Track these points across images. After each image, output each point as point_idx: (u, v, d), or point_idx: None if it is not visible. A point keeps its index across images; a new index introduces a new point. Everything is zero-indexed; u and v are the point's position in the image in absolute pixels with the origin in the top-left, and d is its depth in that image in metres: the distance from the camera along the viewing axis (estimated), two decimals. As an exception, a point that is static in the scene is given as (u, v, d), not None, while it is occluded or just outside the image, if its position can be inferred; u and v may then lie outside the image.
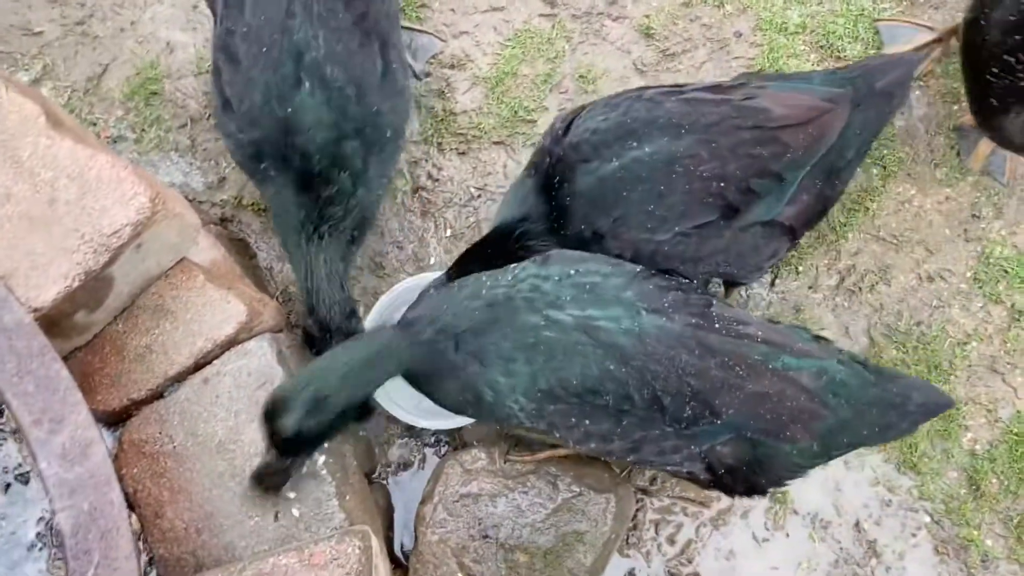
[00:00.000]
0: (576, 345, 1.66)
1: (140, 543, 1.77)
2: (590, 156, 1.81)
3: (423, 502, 2.06)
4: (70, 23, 2.46)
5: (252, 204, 2.36)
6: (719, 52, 2.49)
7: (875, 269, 2.37)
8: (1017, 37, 1.89)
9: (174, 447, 1.82)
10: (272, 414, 1.61)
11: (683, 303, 1.72)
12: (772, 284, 2.36)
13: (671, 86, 1.90)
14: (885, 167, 2.43)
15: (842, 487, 2.24)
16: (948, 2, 2.52)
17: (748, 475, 1.79)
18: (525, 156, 2.42)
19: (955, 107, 2.46)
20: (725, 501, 2.24)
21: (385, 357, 1.70)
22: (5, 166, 1.68)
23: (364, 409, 1.77)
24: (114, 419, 1.88)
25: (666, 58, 2.50)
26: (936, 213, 2.41)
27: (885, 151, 2.44)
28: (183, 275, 1.89)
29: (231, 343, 1.86)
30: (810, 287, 2.36)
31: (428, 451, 2.27)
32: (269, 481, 1.71)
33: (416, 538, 2.05)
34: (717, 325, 1.71)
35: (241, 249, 2.30)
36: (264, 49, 1.92)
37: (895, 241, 2.39)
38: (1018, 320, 2.33)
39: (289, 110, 1.91)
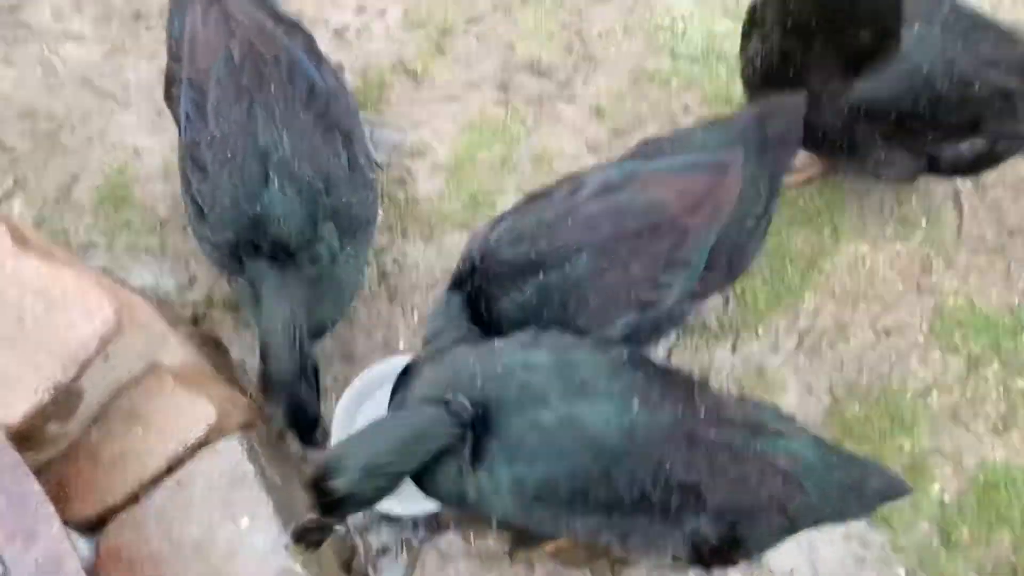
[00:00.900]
0: (563, 446, 1.68)
1: (119, 650, 1.79)
2: (505, 286, 1.86)
3: (402, 589, 2.08)
4: (40, 135, 2.55)
5: (223, 302, 2.41)
6: (668, 126, 2.59)
7: (833, 327, 2.43)
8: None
9: (151, 551, 1.84)
10: (323, 476, 1.63)
11: (670, 391, 1.75)
12: (734, 348, 2.42)
13: (570, 184, 1.94)
14: (836, 227, 2.51)
15: (816, 545, 2.26)
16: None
17: (728, 552, 1.82)
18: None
19: (899, 165, 2.56)
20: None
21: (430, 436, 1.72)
22: (-27, 287, 1.74)
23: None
24: (92, 526, 1.90)
25: (617, 135, 2.59)
26: (889, 269, 2.49)
27: (835, 212, 2.52)
28: (153, 380, 1.93)
29: (202, 444, 1.90)
30: (771, 349, 2.41)
31: (406, 536, 2.28)
32: (310, 538, 1.74)
33: (397, 625, 2.06)
34: (702, 411, 1.75)
35: (213, 346, 2.34)
36: (230, 155, 2.00)
37: (851, 298, 2.45)
38: (976, 369, 2.39)
39: (259, 208, 1.99)
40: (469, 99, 2.62)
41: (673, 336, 2.41)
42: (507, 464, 1.68)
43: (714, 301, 2.44)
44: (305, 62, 2.16)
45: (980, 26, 2.04)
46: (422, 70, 2.63)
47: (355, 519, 2.27)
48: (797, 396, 2.37)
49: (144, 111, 2.57)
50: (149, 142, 2.54)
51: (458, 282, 1.96)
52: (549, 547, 2.09)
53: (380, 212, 2.49)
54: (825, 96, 2.01)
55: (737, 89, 2.58)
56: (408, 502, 2.14)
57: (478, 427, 1.70)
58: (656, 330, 2.01)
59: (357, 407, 2.24)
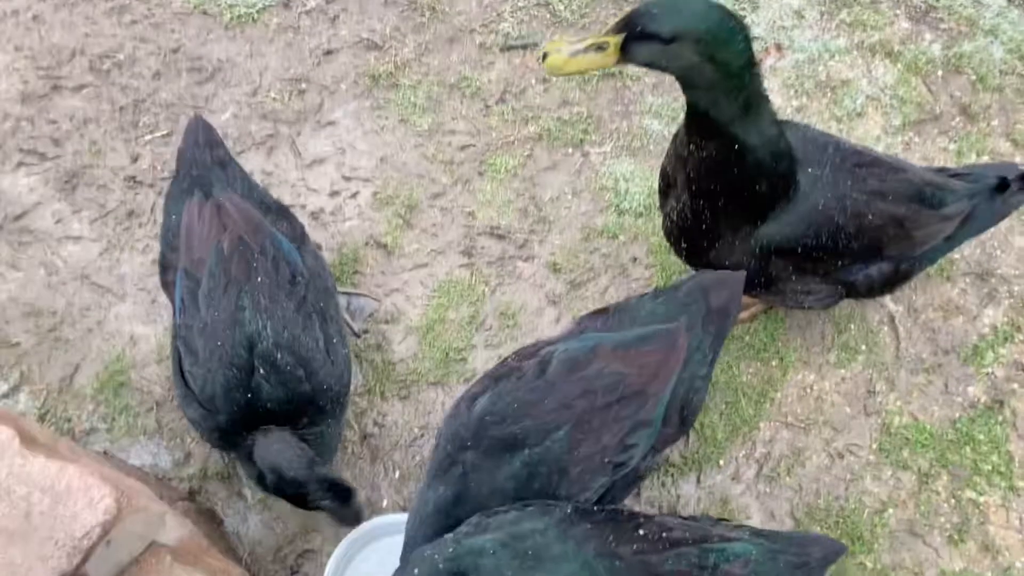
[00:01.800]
0: None
1: None
2: (497, 461, 1.99)
3: None
4: (43, 331, 2.76)
5: (216, 474, 2.57)
6: (619, 277, 2.82)
7: (789, 453, 2.59)
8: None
9: None
10: None
11: (620, 532, 1.86)
12: (699, 481, 2.57)
13: (535, 360, 2.10)
14: (783, 358, 2.70)
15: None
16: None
17: None
18: (459, 392, 2.67)
19: (835, 296, 2.77)
20: None
21: None
22: (-14, 488, 1.91)
23: None
24: None
25: (574, 287, 2.81)
26: (836, 394, 2.66)
27: (780, 344, 2.72)
28: (152, 558, 2.07)
29: (200, 617, 2.03)
30: (733, 478, 2.57)
31: None
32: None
33: None
34: (655, 540, 1.85)
35: (209, 518, 2.49)
36: (219, 343, 2.18)
37: (803, 425, 2.62)
38: (927, 483, 2.54)
39: (248, 395, 2.17)
40: (437, 265, 2.86)
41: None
42: None
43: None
44: (288, 249, 2.37)
45: (865, 162, 2.24)
46: (392, 243, 2.87)
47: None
48: (761, 521, 2.50)
49: (139, 301, 2.79)
50: (144, 329, 2.75)
51: (445, 467, 2.05)
52: None
53: (359, 375, 2.69)
54: (738, 242, 2.21)
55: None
56: None
57: None
58: (627, 487, 2.17)
59: (346, 566, 2.36)
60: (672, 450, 2.59)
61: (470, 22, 3.22)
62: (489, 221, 2.91)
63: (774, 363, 2.69)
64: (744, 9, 3.22)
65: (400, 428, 2.65)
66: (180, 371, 2.29)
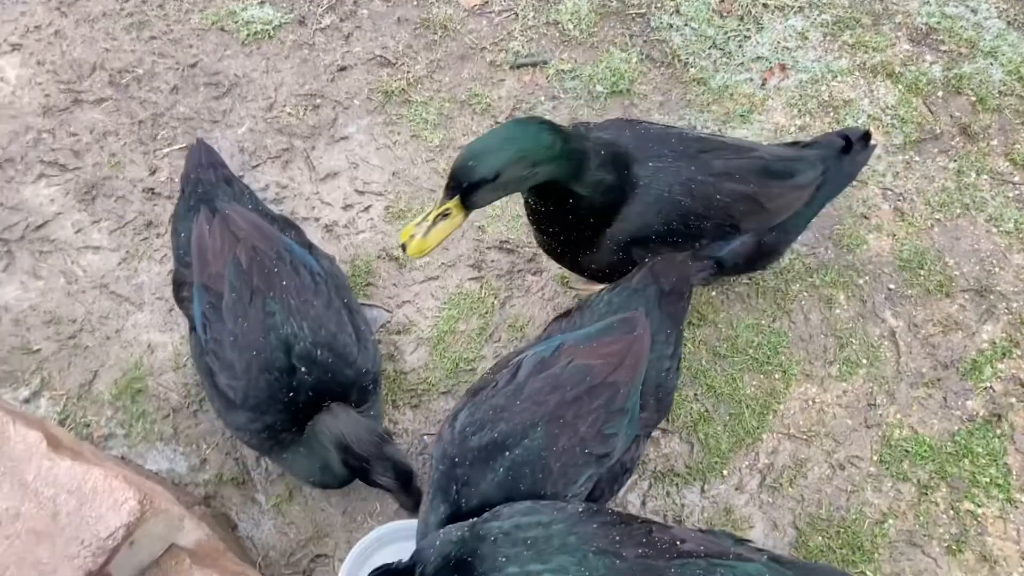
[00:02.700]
0: None
1: None
2: (481, 469, 2.06)
3: None
4: (63, 338, 2.82)
5: (231, 480, 2.63)
6: (626, 290, 2.88)
7: (791, 464, 2.65)
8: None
9: None
10: None
11: (628, 535, 1.90)
12: (703, 491, 2.63)
13: (507, 370, 2.18)
14: (785, 371, 2.76)
15: (795, 675, 2.41)
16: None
17: None
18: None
19: (836, 311, 2.84)
20: None
21: None
22: (13, 489, 1.97)
23: None
24: None
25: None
26: (837, 407, 2.72)
27: (783, 357, 2.78)
28: (172, 560, 2.13)
29: (217, 618, 2.08)
30: (736, 488, 2.62)
31: None
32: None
33: None
34: (663, 547, 1.88)
35: (224, 522, 2.55)
36: (255, 352, 2.23)
37: (805, 436, 2.68)
38: (926, 494, 2.59)
39: (292, 393, 2.24)
40: (447, 278, 2.92)
41: (646, 485, 2.62)
42: None
43: (682, 448, 2.67)
44: (301, 252, 2.44)
45: (711, 147, 2.35)
46: (403, 256, 2.93)
47: None
48: (763, 531, 2.56)
49: (156, 309, 2.86)
50: (161, 338, 2.82)
51: (441, 487, 2.11)
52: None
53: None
54: (600, 247, 2.34)
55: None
56: None
57: None
58: (614, 479, 2.23)
59: (357, 572, 2.42)
60: (677, 460, 2.65)
61: (481, 40, 3.30)
62: (498, 235, 2.98)
63: (777, 376, 2.75)
64: (749, 30, 3.29)
65: (411, 436, 2.71)
66: (214, 384, 2.33)
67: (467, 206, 2.07)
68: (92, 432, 2.69)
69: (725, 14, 3.33)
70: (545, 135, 2.09)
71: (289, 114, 3.17)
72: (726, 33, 3.29)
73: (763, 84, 3.22)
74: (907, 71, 3.20)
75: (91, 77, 3.23)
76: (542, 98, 3.19)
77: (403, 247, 2.07)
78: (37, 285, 2.89)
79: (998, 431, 2.66)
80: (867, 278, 2.89)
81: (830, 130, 3.12)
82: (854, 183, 3.01)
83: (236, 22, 3.32)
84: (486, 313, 2.87)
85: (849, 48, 3.26)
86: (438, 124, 3.15)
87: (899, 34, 3.29)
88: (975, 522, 2.55)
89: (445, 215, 2.06)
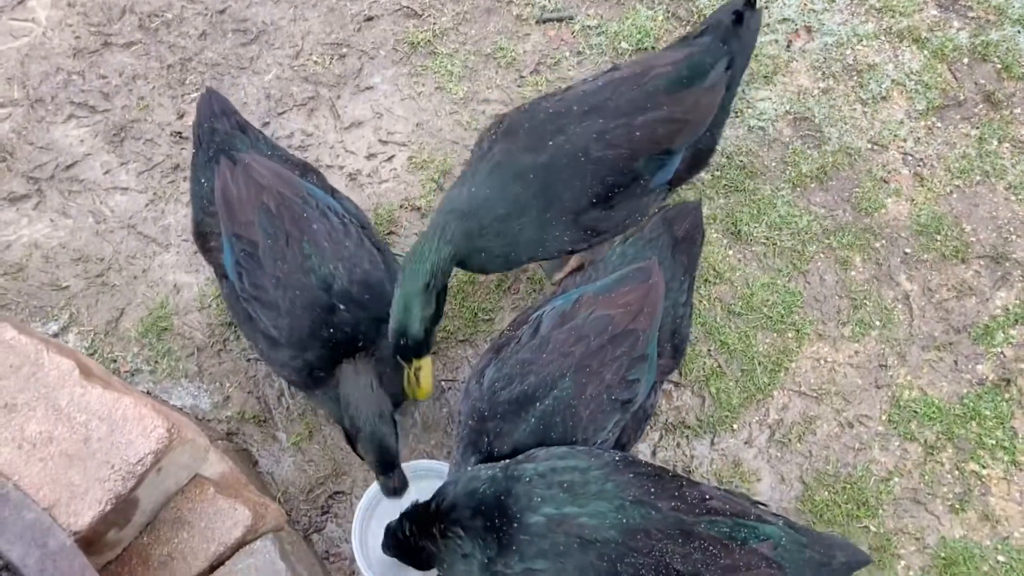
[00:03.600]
0: (564, 545, 1.87)
1: None
2: (512, 421, 2.12)
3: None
4: (91, 276, 2.89)
5: (253, 418, 2.71)
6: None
7: (801, 421, 2.69)
8: None
9: (194, 643, 2.09)
10: None
11: (661, 488, 1.96)
12: (712, 444, 2.68)
13: (528, 326, 2.23)
14: (799, 330, 2.80)
15: (796, 623, 2.48)
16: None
17: None
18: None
19: (852, 273, 2.87)
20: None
21: None
22: (48, 414, 2.04)
23: None
24: (141, 623, 2.14)
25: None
26: (848, 367, 2.76)
27: (796, 316, 2.81)
28: (196, 489, 2.21)
29: (240, 545, 2.16)
30: (745, 442, 2.67)
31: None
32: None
33: None
34: (693, 503, 1.95)
35: (245, 458, 2.62)
36: (297, 291, 2.28)
37: (815, 394, 2.72)
38: (932, 454, 2.64)
39: (332, 330, 2.30)
40: (468, 229, 2.96)
41: (657, 436, 2.68)
42: (521, 561, 1.91)
43: (693, 401, 2.72)
44: (324, 196, 2.47)
45: (608, 92, 2.32)
46: (426, 206, 2.98)
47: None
48: (770, 484, 2.61)
49: (182, 251, 2.91)
50: (187, 278, 2.88)
51: (472, 441, 2.18)
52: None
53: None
54: (557, 233, 2.36)
55: (702, 209, 2.92)
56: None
57: (494, 531, 1.93)
58: (638, 425, 2.29)
59: (374, 509, 2.49)
60: (688, 413, 2.70)
61: (508, -6, 3.31)
62: (520, 188, 3.00)
63: (790, 335, 2.79)
64: (776, -9, 3.29)
65: (429, 382, 2.77)
66: (257, 330, 2.37)
67: (427, 349, 2.30)
68: (119, 367, 2.76)
69: (753, -26, 3.32)
70: (430, 269, 2.24)
71: (315, 63, 3.20)
72: (753, -7, 3.29)
73: (788, 46, 3.22)
74: (933, 37, 3.19)
75: (121, 20, 3.26)
76: (567, 53, 3.21)
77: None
78: (66, 224, 2.95)
79: (1007, 395, 2.70)
80: (884, 242, 2.91)
81: (853, 95, 3.13)
82: (874, 147, 3.03)
83: (265, -31, 3.34)
84: (505, 264, 2.90)
85: (876, 12, 3.25)
86: (463, 76, 3.18)
87: (927, -1, 3.28)
88: (979, 482, 2.60)
89: (418, 370, 2.32)
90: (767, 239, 2.91)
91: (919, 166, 3.02)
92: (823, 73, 3.17)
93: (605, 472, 1.97)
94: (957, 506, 2.58)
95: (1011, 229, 2.91)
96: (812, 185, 2.99)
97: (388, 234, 2.95)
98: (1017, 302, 2.82)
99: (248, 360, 2.77)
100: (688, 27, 3.24)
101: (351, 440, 2.33)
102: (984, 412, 2.67)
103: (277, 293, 2.29)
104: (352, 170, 3.04)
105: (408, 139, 3.09)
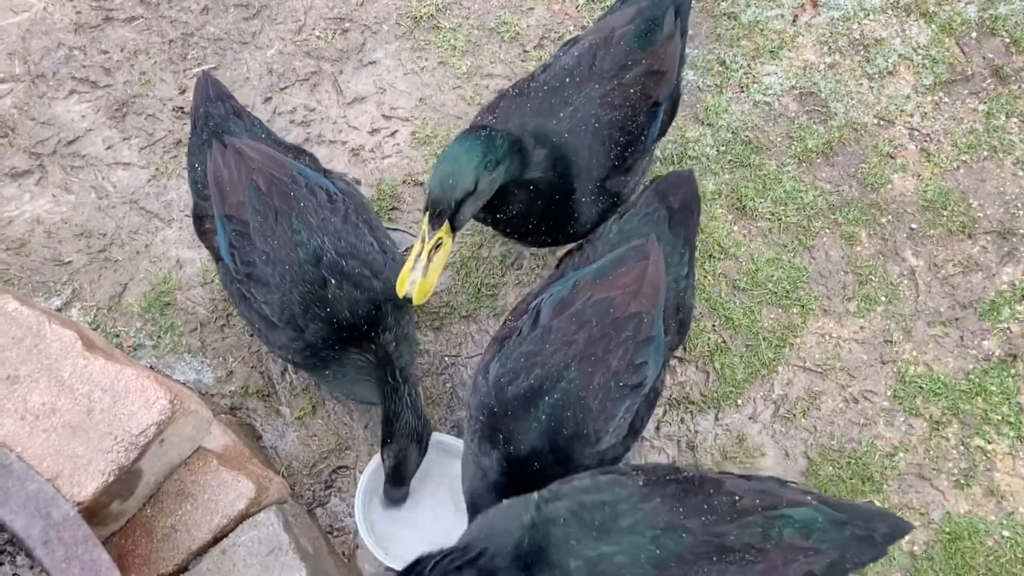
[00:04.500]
0: None
1: None
2: (521, 416, 2.07)
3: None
4: (94, 251, 2.88)
5: (257, 392, 2.70)
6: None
7: (805, 396, 2.69)
8: None
9: (199, 615, 2.09)
10: None
11: (690, 506, 1.88)
12: (716, 419, 2.67)
13: (528, 315, 2.19)
14: (803, 306, 2.78)
15: (799, 597, 2.48)
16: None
17: None
18: (490, 326, 2.79)
19: (858, 248, 2.85)
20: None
21: None
22: (51, 385, 2.04)
23: None
24: (145, 595, 2.15)
25: (604, 231, 2.90)
26: (853, 342, 2.75)
27: (801, 292, 2.80)
28: (200, 461, 2.21)
29: (243, 517, 2.16)
30: (750, 417, 2.67)
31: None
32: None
33: None
34: (723, 511, 1.88)
35: (248, 432, 2.62)
36: (287, 267, 2.27)
37: (820, 370, 2.71)
38: (937, 429, 2.63)
39: (328, 308, 2.28)
40: (471, 204, 2.94)
41: (661, 411, 2.67)
42: None
43: (698, 376, 2.71)
44: (314, 175, 2.46)
45: (593, 58, 2.35)
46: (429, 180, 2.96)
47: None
48: (775, 460, 2.61)
49: (185, 226, 2.90)
50: (189, 254, 2.87)
51: (486, 435, 2.13)
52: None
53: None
54: (575, 204, 2.35)
55: (707, 185, 2.91)
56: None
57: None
58: (650, 406, 2.27)
59: (377, 483, 2.49)
60: (692, 388, 2.70)
61: (512, -32, 3.28)
62: (524, 163, 2.99)
63: (795, 310, 2.78)
64: (782, -35, 3.26)
65: (432, 356, 2.76)
66: (253, 310, 2.36)
67: (455, 228, 2.10)
68: (122, 342, 2.75)
69: (759, -52, 3.29)
70: (495, 137, 2.11)
71: (318, 37, 3.18)
72: (759, -33, 3.26)
73: (794, 20, 3.19)
74: (941, 10, 3.16)
75: (122, -5, 3.24)
76: (571, 28, 3.18)
77: (407, 299, 2.09)
78: (68, 199, 2.94)
79: (1012, 371, 2.68)
80: (890, 217, 2.89)
81: (859, 70, 3.10)
82: (881, 122, 3.01)
83: (266, -57, 3.31)
84: (509, 240, 2.89)
85: (883, -14, 3.23)
86: (466, 51, 3.16)
87: (935, -27, 3.24)
88: (984, 458, 2.59)
89: (438, 246, 2.08)
90: (772, 214, 2.89)
91: (926, 141, 3.00)
92: (829, 48, 3.14)
93: (632, 503, 1.89)
94: (962, 481, 2.57)
95: (1018, 204, 2.89)
96: (818, 160, 2.97)
97: (391, 209, 2.93)
98: (1023, 277, 2.81)
99: (251, 335, 2.77)
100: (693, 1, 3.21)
101: (382, 443, 2.37)
102: (990, 388, 2.66)
103: (267, 269, 2.28)
104: (355, 145, 3.02)
105: (411, 114, 3.07)
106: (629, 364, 2.10)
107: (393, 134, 3.05)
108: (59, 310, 2.78)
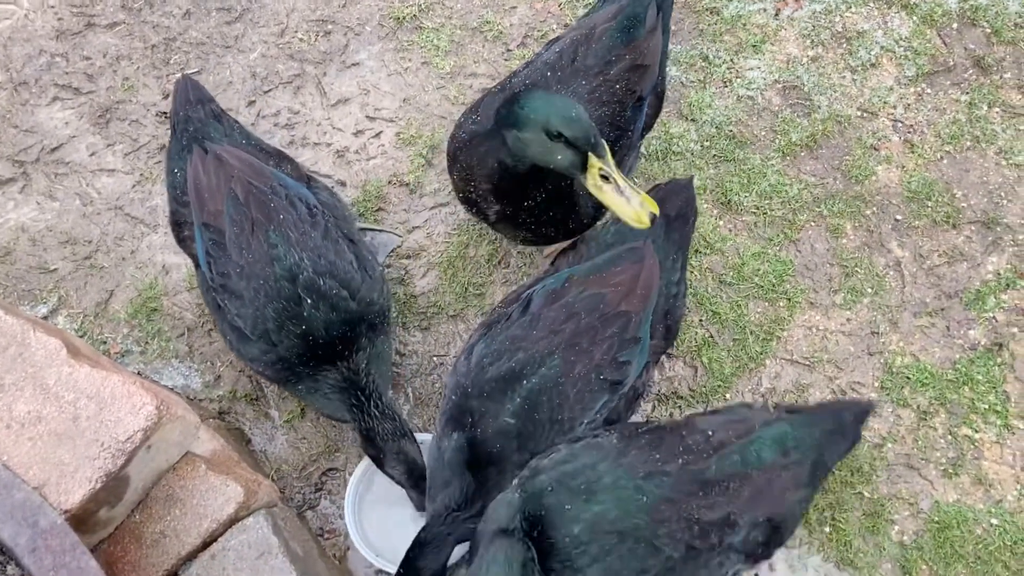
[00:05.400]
0: (605, 541, 1.88)
1: None
2: (497, 399, 2.09)
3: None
4: (79, 258, 2.87)
5: (245, 396, 2.70)
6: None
7: (793, 389, 2.69)
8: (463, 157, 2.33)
9: (189, 620, 2.09)
10: None
11: (666, 450, 1.97)
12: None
13: (519, 303, 2.20)
14: (790, 299, 2.79)
15: (790, 589, 2.49)
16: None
17: (774, 545, 2.07)
18: (477, 325, 2.78)
19: (843, 241, 2.86)
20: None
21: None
22: (36, 393, 2.03)
23: None
24: (136, 601, 2.15)
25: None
26: (840, 334, 2.76)
27: (788, 285, 2.81)
28: (188, 466, 2.20)
29: (232, 521, 2.16)
30: (738, 412, 2.67)
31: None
32: None
33: None
34: (699, 448, 1.97)
35: (238, 436, 2.62)
36: (261, 281, 2.23)
37: (808, 362, 2.72)
38: (925, 419, 2.64)
39: (303, 327, 2.25)
40: (457, 204, 2.94)
41: (650, 407, 2.68)
42: (578, 572, 1.90)
43: (686, 371, 2.72)
44: (295, 186, 2.42)
45: (575, 54, 2.37)
46: (415, 181, 2.96)
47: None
48: (764, 453, 2.61)
49: (170, 232, 2.88)
50: (175, 259, 2.86)
51: (454, 416, 2.15)
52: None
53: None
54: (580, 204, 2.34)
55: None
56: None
57: (548, 553, 1.91)
58: (628, 405, 2.28)
59: (367, 484, 2.49)
60: (680, 383, 2.70)
61: (493, -33, 3.28)
62: (509, 162, 2.99)
63: (782, 303, 2.79)
64: (764, -41, 3.27)
65: (420, 357, 2.76)
66: (225, 321, 2.34)
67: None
68: (109, 349, 2.75)
69: (740, -57, 3.30)
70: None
71: (301, 40, 3.18)
72: (740, -38, 3.27)
73: (776, 14, 3.20)
74: (922, 2, 3.17)
75: (103, 1, 3.23)
76: (554, 26, 3.18)
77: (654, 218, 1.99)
78: (53, 206, 2.94)
79: (999, 360, 2.69)
80: (874, 209, 2.90)
81: (842, 62, 3.11)
82: (864, 114, 3.02)
83: (248, -53, 3.30)
84: (496, 239, 2.90)
85: (864, -22, 3.23)
86: (449, 51, 3.15)
87: (916, -35, 3.25)
88: (972, 447, 2.60)
89: (604, 172, 2.00)
90: (757, 208, 2.90)
91: (909, 133, 3.01)
92: (812, 41, 3.15)
93: (611, 460, 1.96)
94: (950, 470, 2.58)
95: (1002, 194, 2.90)
96: (802, 154, 2.98)
97: (377, 210, 2.93)
98: (1008, 266, 2.81)
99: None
100: (675, -3, 3.21)
101: (376, 461, 2.36)
102: (976, 377, 2.67)
103: (241, 283, 2.24)
104: (340, 147, 3.02)
105: (395, 115, 3.07)
106: (613, 360, 2.12)
107: (378, 135, 3.04)
108: (45, 318, 2.78)
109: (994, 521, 2.51)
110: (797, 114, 3.04)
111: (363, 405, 2.33)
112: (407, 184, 2.97)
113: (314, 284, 2.25)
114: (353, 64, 3.15)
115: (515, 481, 2.02)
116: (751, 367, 2.72)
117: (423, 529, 2.16)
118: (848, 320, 2.77)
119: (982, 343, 2.73)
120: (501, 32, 3.17)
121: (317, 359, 2.30)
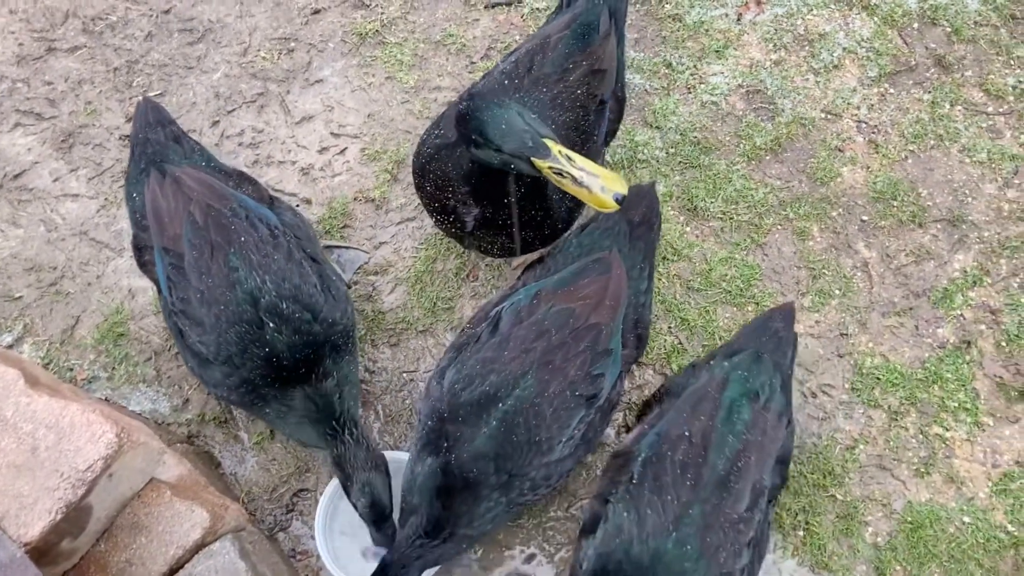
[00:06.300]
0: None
1: None
2: (472, 423, 2.08)
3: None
4: (44, 285, 2.85)
5: (214, 419, 2.68)
6: (601, 227, 2.90)
7: (764, 393, 2.69)
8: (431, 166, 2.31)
9: (157, 649, 2.07)
10: None
11: (669, 480, 2.00)
12: (676, 420, 2.67)
13: (487, 323, 2.20)
14: (758, 303, 2.79)
15: (766, 594, 2.48)
16: (786, 158, 2.95)
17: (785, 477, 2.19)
18: (447, 340, 2.78)
19: (810, 243, 2.86)
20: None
21: None
22: (-7, 425, 2.02)
23: None
24: (104, 631, 2.12)
25: (558, 238, 2.90)
26: (809, 337, 2.76)
27: (756, 290, 2.81)
28: (153, 493, 2.19)
29: (199, 547, 2.14)
30: (710, 418, 2.66)
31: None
32: None
33: None
34: (695, 455, 2.02)
35: (207, 460, 2.60)
36: (222, 306, 2.20)
37: (778, 366, 2.72)
38: (896, 420, 2.64)
39: (267, 349, 2.21)
40: (424, 218, 2.94)
41: (620, 416, 2.67)
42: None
43: (655, 380, 2.71)
44: (256, 207, 2.39)
45: (531, 62, 2.37)
46: (380, 197, 2.95)
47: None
48: (736, 459, 2.60)
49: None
50: (141, 283, 2.84)
51: (430, 441, 2.14)
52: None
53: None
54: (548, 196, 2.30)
55: (658, 187, 2.91)
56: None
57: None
58: (604, 418, 2.27)
59: (338, 504, 2.48)
60: (650, 391, 2.69)
61: (455, -20, 3.28)
62: (475, 175, 2.98)
63: (750, 308, 2.79)
64: (724, -36, 3.27)
65: (390, 374, 2.75)
66: (187, 346, 2.30)
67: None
68: (75, 375, 2.73)
69: (700, -51, 3.31)
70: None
71: (264, 58, 3.17)
72: (701, -32, 3.28)
73: (738, 19, 3.21)
74: (883, 3, 3.19)
75: (64, 25, 3.22)
76: (517, 37, 3.18)
77: (618, 199, 1.91)
78: (17, 233, 2.92)
79: (967, 357, 2.70)
80: (841, 210, 2.91)
81: (805, 65, 3.12)
82: (828, 116, 3.03)
83: (208, -33, 3.30)
84: (463, 253, 2.89)
85: (825, -19, 3.24)
86: (413, 65, 3.15)
87: (875, -34, 3.27)
88: (943, 445, 2.60)
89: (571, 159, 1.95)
90: (724, 214, 2.90)
91: (873, 133, 3.02)
92: (774, 44, 3.16)
93: (637, 539, 1.99)
94: (922, 470, 2.58)
95: (966, 192, 2.91)
96: (767, 157, 2.99)
97: (343, 227, 2.92)
98: (975, 264, 2.82)
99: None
100: (637, 5, 3.22)
101: (344, 488, 2.32)
102: (946, 375, 2.68)
103: (202, 309, 2.21)
104: (305, 164, 3.01)
105: (360, 131, 3.06)
106: (587, 374, 2.11)
107: (343, 151, 3.04)
108: (10, 347, 2.75)
109: (966, 519, 2.51)
110: (761, 118, 3.04)
111: (337, 433, 2.30)
112: (373, 200, 2.96)
113: (276, 307, 2.22)
114: (317, 81, 3.14)
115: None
116: (721, 373, 2.71)
117: (390, 552, 2.15)
118: (817, 322, 2.78)
119: (951, 341, 2.73)
120: (464, 45, 3.17)
121: (282, 380, 2.26)
